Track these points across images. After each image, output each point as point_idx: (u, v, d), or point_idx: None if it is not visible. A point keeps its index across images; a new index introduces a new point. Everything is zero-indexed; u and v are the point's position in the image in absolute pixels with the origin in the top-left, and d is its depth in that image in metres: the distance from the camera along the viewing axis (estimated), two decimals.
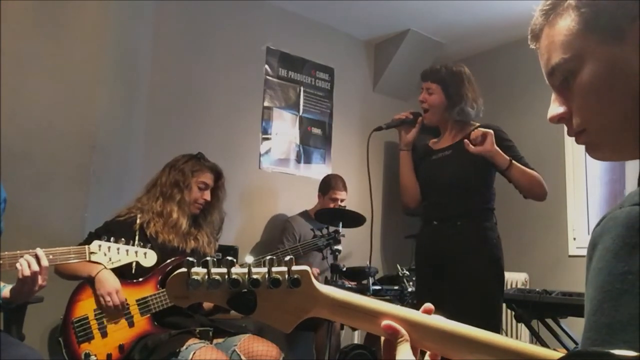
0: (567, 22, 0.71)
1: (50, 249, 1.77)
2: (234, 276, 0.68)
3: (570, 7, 0.70)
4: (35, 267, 1.69)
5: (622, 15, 0.66)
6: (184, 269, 0.69)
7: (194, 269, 0.68)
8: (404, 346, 0.73)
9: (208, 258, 0.67)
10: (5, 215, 1.94)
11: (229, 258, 0.67)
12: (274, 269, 0.70)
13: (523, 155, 2.36)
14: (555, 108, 0.74)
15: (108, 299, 2.08)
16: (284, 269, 0.70)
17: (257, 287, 0.69)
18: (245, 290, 0.69)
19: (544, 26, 0.74)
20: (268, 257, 0.68)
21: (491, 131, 2.22)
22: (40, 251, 1.73)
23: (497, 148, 2.21)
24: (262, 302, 0.70)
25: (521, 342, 0.76)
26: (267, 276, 0.69)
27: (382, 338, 0.76)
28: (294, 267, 0.71)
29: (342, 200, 3.58)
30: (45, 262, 1.72)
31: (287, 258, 0.69)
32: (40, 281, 1.70)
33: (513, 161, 2.24)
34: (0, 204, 1.89)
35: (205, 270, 0.68)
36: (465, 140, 2.23)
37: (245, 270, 0.69)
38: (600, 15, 0.68)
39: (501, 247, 2.37)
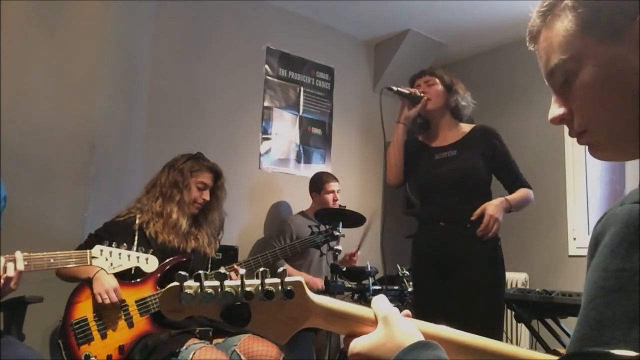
0: (564, 23, 0.70)
1: (52, 252, 1.76)
2: (226, 289, 0.68)
3: (567, 7, 0.70)
4: (10, 273, 1.64)
5: (620, 14, 0.66)
6: (176, 283, 0.69)
7: (187, 283, 0.68)
8: None
9: (200, 272, 0.67)
10: (5, 216, 1.94)
11: (222, 271, 0.68)
12: (267, 281, 0.70)
13: (515, 161, 2.45)
14: (556, 109, 0.74)
15: (105, 296, 2.08)
16: (277, 280, 0.70)
17: (251, 299, 0.69)
18: (239, 303, 0.69)
19: (542, 28, 0.74)
20: (261, 270, 0.68)
21: (492, 216, 2.30)
22: (19, 254, 1.68)
23: (498, 211, 2.32)
24: (256, 314, 0.70)
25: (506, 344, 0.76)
26: (260, 288, 0.69)
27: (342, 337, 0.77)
28: (287, 279, 0.71)
29: (338, 191, 3.65)
30: (20, 266, 1.67)
31: (280, 270, 0.69)
32: (12, 284, 1.65)
33: (508, 199, 2.36)
34: (0, 202, 1.90)
35: (197, 284, 0.68)
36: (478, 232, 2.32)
37: (238, 282, 0.69)
38: (597, 15, 0.68)
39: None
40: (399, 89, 2.47)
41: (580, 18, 0.69)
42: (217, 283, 0.68)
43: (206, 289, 0.67)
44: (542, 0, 0.74)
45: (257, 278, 0.69)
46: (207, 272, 0.68)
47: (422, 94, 2.47)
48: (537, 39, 0.75)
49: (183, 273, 0.66)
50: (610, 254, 0.53)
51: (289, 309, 0.72)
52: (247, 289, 0.68)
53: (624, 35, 0.65)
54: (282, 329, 0.73)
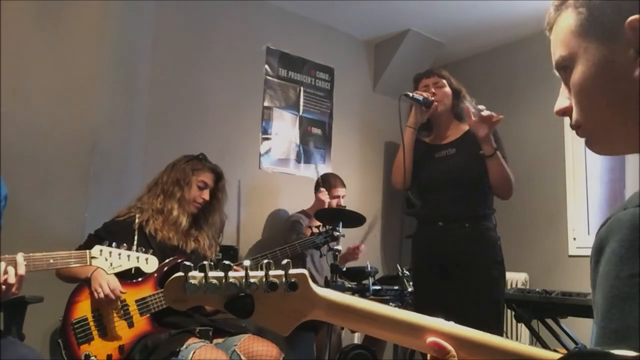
0: (567, 21, 0.72)
1: (51, 252, 1.76)
2: (231, 280, 0.68)
3: (570, 6, 0.72)
4: (12, 279, 1.60)
5: (614, 16, 0.67)
6: (181, 273, 0.69)
7: (191, 273, 0.68)
8: None
9: (205, 262, 0.67)
10: (6, 216, 1.94)
11: (226, 262, 0.68)
12: (271, 273, 0.70)
13: (506, 157, 2.41)
14: (562, 101, 0.76)
15: (99, 290, 2.07)
16: (281, 272, 0.70)
17: (254, 290, 0.69)
18: (243, 294, 0.69)
19: (554, 21, 0.76)
20: (265, 262, 0.68)
21: (495, 117, 2.25)
22: (20, 258, 1.64)
23: (491, 136, 2.29)
24: (259, 306, 0.70)
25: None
26: (264, 280, 0.69)
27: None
28: (291, 271, 0.71)
29: (343, 197, 3.64)
30: (21, 271, 1.63)
31: (285, 262, 0.69)
32: (13, 289, 1.62)
33: (498, 152, 2.30)
34: (0, 201, 1.89)
35: (202, 274, 0.68)
36: (467, 106, 2.29)
37: (243, 274, 0.69)
38: (594, 15, 0.69)
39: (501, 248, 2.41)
40: (415, 95, 2.48)
41: (580, 18, 0.70)
42: (221, 274, 0.68)
43: (211, 280, 0.67)
44: None
45: (261, 270, 0.69)
46: (211, 263, 0.68)
47: (432, 98, 2.48)
48: (552, 30, 0.77)
49: (188, 263, 0.67)
50: (619, 262, 0.53)
51: (292, 301, 0.72)
52: (251, 280, 0.68)
53: (618, 38, 0.66)
54: (285, 321, 0.73)
